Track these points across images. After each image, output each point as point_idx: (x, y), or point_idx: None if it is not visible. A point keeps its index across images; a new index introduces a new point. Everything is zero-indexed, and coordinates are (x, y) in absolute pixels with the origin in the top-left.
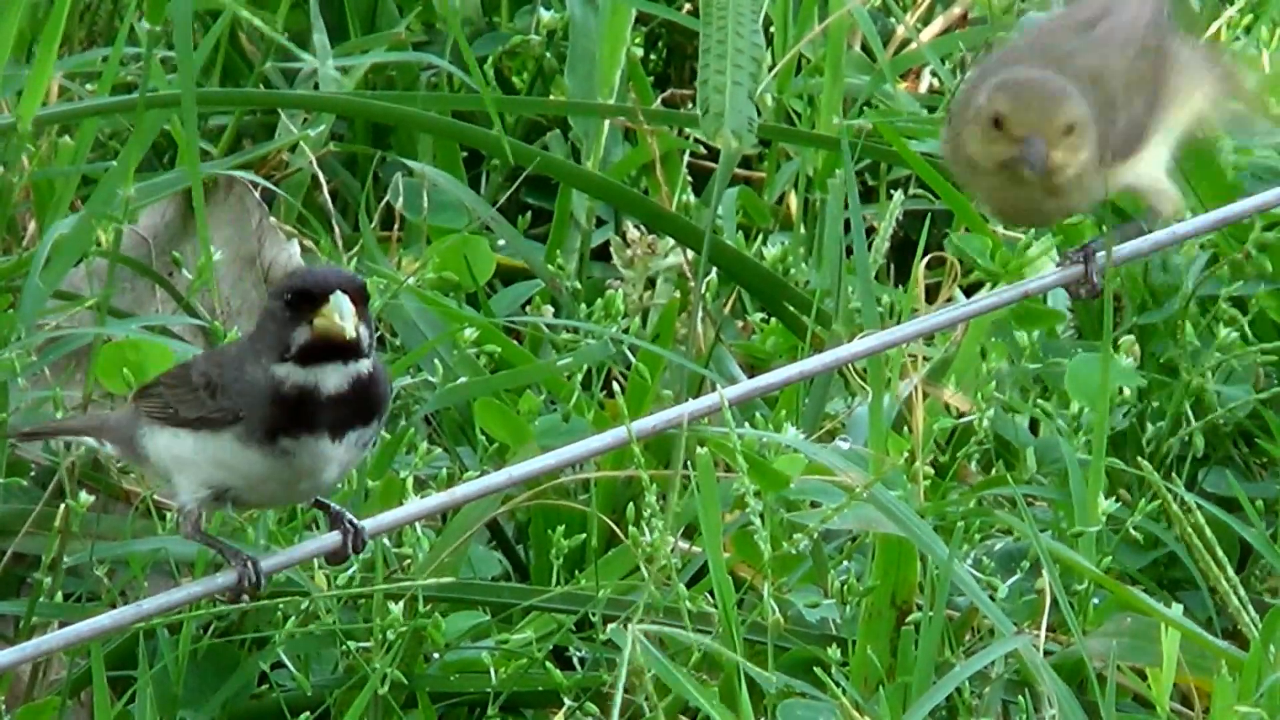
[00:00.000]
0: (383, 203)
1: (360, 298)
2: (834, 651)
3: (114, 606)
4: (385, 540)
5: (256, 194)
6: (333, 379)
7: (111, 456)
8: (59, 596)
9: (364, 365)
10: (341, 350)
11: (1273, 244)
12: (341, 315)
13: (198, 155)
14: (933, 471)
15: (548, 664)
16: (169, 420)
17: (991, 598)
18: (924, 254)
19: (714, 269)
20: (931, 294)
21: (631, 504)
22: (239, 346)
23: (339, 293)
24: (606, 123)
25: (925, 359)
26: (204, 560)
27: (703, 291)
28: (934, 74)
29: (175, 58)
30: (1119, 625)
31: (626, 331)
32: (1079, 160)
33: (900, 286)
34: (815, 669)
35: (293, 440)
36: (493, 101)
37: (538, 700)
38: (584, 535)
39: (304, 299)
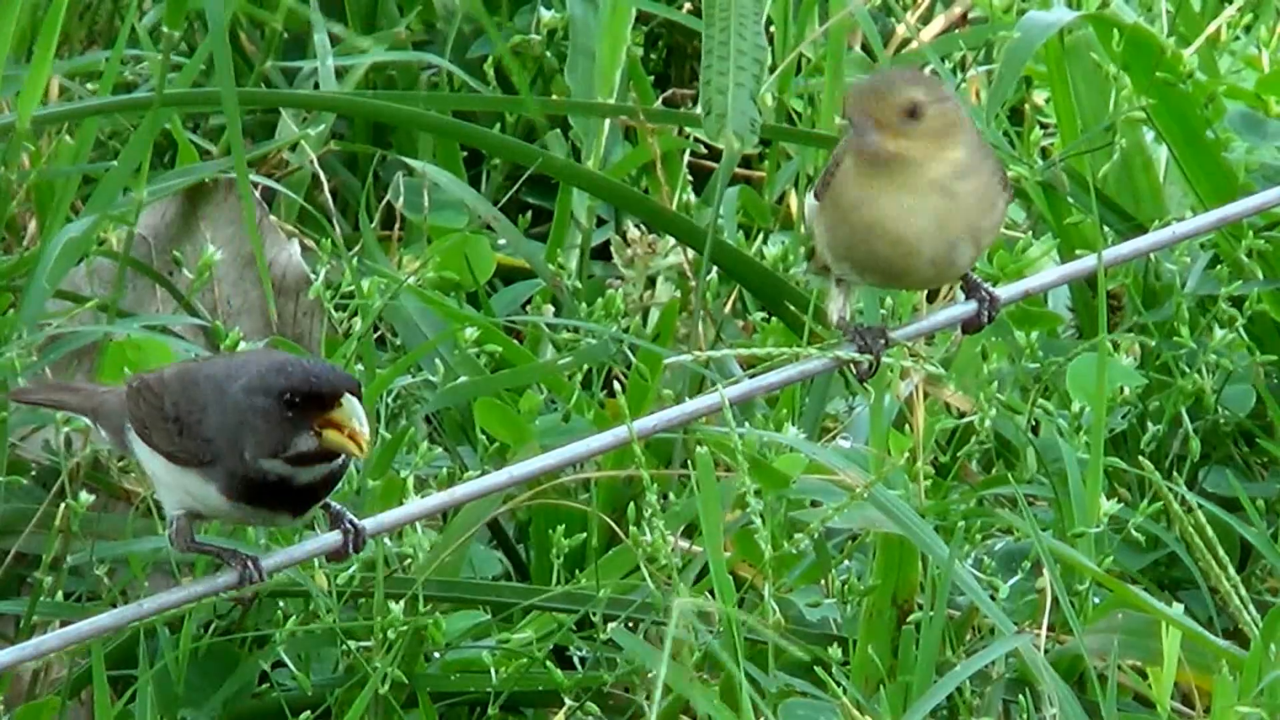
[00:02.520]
0: (383, 202)
1: (360, 394)
2: (835, 651)
3: (114, 606)
4: (386, 540)
5: (257, 193)
6: (310, 474)
7: (105, 443)
8: (59, 596)
9: (340, 459)
10: (332, 455)
11: (1271, 244)
12: (363, 422)
13: (243, 152)
14: (933, 471)
15: (548, 663)
16: (144, 439)
17: (992, 597)
18: None
19: (714, 268)
20: (931, 294)
21: (632, 503)
22: (211, 378)
23: (349, 396)
24: (607, 122)
25: (926, 359)
26: (204, 560)
27: (703, 291)
28: (934, 73)
29: (177, 58)
30: (1115, 621)
31: (627, 331)
32: (934, 149)
33: None
34: (816, 668)
35: (251, 509)
36: (497, 100)
37: (538, 700)
38: (584, 535)
39: (310, 402)
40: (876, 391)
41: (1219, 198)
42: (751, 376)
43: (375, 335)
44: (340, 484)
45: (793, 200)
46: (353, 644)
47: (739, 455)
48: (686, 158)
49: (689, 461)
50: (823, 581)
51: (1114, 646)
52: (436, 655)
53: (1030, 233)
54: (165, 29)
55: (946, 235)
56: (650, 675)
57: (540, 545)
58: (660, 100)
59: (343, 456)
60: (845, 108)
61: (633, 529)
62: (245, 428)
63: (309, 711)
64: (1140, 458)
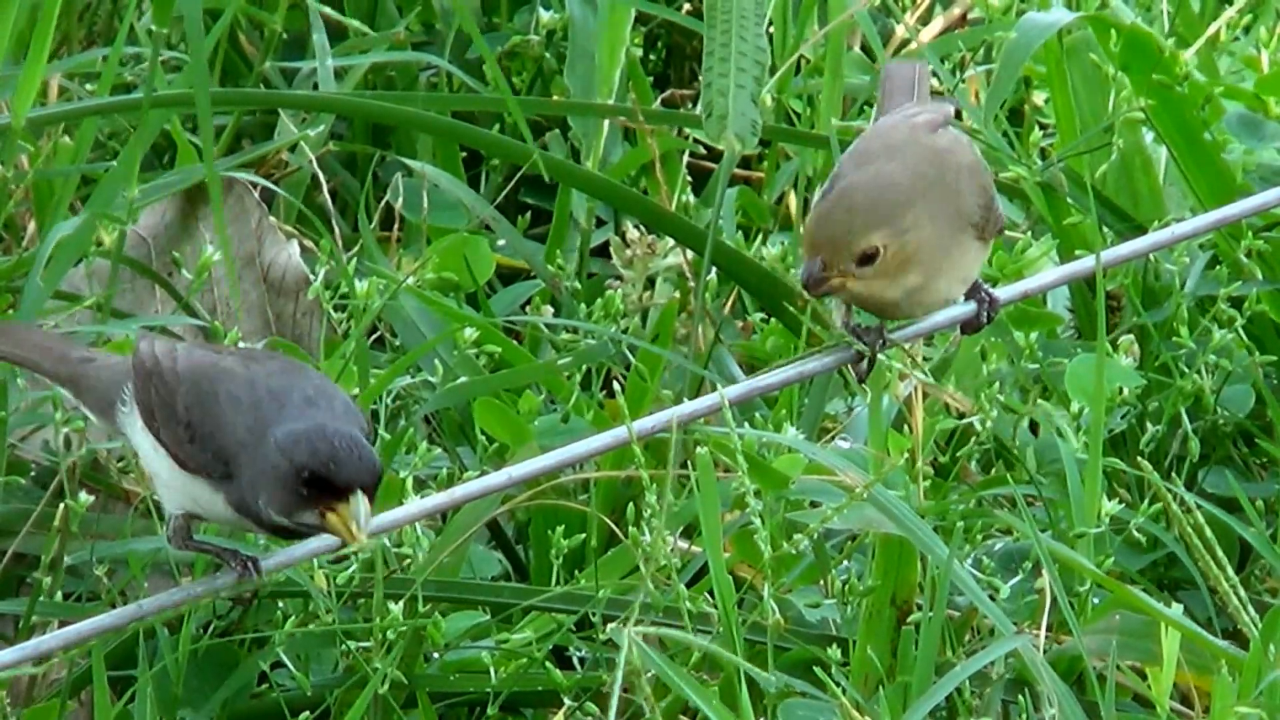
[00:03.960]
0: (382, 202)
1: (376, 486)
2: (834, 651)
3: (114, 606)
4: (385, 540)
5: (256, 194)
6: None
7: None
8: (59, 596)
9: None
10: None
11: (1271, 244)
12: (362, 526)
13: (212, 153)
14: (933, 471)
15: (547, 664)
16: (151, 430)
17: (992, 598)
18: None
19: (713, 269)
20: None
21: (631, 504)
22: (233, 398)
23: (360, 494)
24: (606, 123)
25: (925, 359)
26: (204, 560)
27: (703, 292)
28: (934, 74)
29: (176, 58)
30: (1114, 621)
31: (626, 331)
32: (885, 283)
33: None
34: (815, 669)
35: (256, 526)
36: (497, 100)
37: (538, 700)
38: (584, 535)
39: (324, 488)
40: (875, 392)
41: (1218, 198)
42: (751, 376)
43: (375, 336)
44: None
45: (792, 201)
46: (352, 644)
47: (738, 456)
48: (685, 158)
49: (689, 461)
50: (822, 582)
51: (1113, 647)
52: (436, 655)
53: (1029, 233)
54: (154, 27)
55: (925, 300)
56: (649, 675)
57: (539, 546)
58: (659, 101)
59: None
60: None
61: (632, 529)
62: (264, 478)
63: (308, 712)
64: (1139, 458)
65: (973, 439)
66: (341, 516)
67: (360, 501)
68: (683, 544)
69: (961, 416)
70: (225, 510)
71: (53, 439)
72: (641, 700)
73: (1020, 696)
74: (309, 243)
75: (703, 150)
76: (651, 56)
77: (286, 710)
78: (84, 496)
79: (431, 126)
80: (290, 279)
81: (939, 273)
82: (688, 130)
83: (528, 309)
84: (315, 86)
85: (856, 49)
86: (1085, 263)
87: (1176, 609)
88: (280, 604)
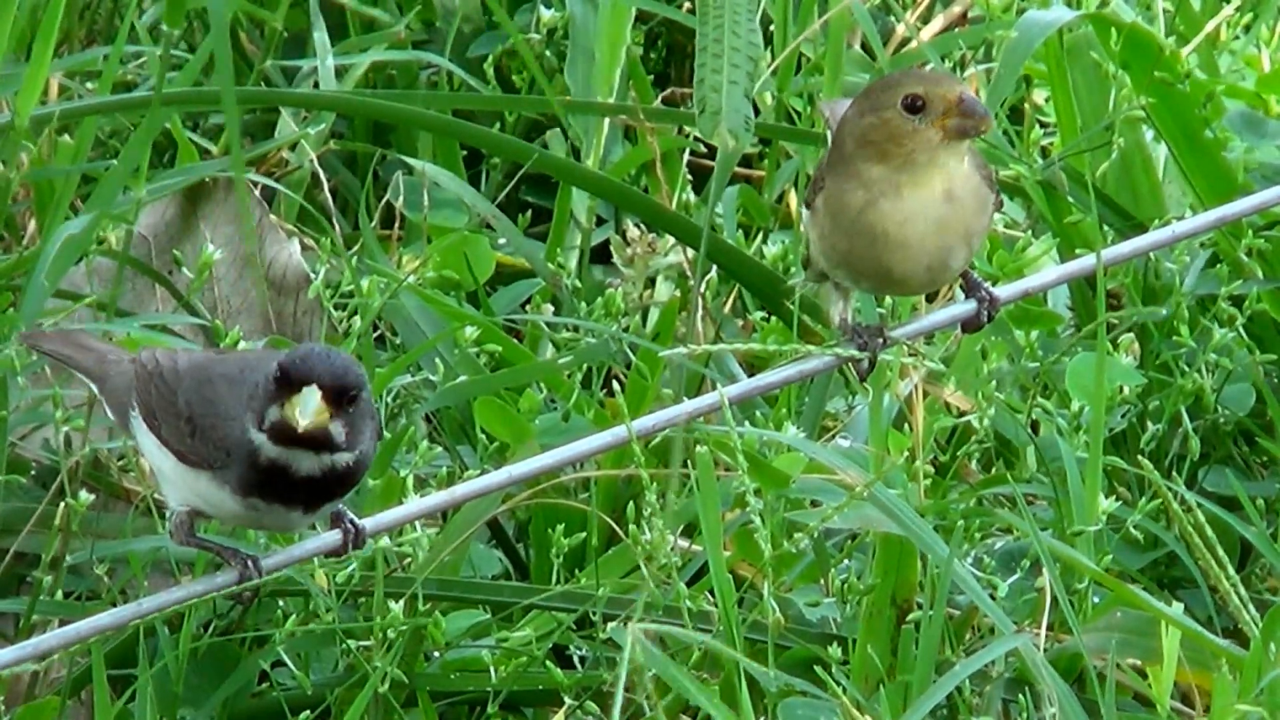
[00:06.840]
0: (383, 201)
1: (342, 396)
2: (834, 650)
3: (114, 605)
4: (385, 539)
5: (257, 192)
6: (306, 463)
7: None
8: (59, 595)
9: (342, 458)
10: (310, 441)
11: (1271, 243)
12: (302, 412)
13: (240, 150)
14: (933, 470)
15: (548, 663)
16: (154, 430)
17: (992, 596)
18: None
19: (714, 267)
20: (931, 293)
21: (631, 503)
22: (227, 378)
23: (313, 387)
24: (606, 121)
25: (925, 358)
26: (204, 559)
27: (703, 290)
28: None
29: (176, 56)
30: (1114, 620)
31: (627, 330)
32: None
33: None
34: (816, 668)
35: (264, 503)
36: (497, 99)
37: (538, 699)
38: (584, 534)
39: (284, 380)
40: (875, 391)
41: (1218, 197)
42: (751, 375)
43: (375, 334)
44: (357, 487)
45: (792, 199)
46: (353, 643)
47: (739, 454)
48: (686, 157)
49: (689, 461)
50: (822, 581)
51: (1113, 645)
52: (436, 654)
53: (1030, 232)
54: (165, 27)
55: (944, 240)
56: (650, 674)
57: (540, 544)
58: (660, 99)
59: (339, 454)
60: (928, 92)
61: (632, 528)
62: (250, 385)
63: (309, 711)
64: (1140, 457)
65: (973, 438)
66: (290, 405)
67: (309, 393)
68: (683, 543)
69: (962, 415)
70: (233, 502)
71: (53, 438)
72: (643, 700)
73: (1020, 695)
74: (310, 241)
75: (703, 149)
76: (652, 55)
77: (287, 709)
78: (85, 495)
79: (432, 125)
80: (291, 277)
81: (972, 183)
82: (688, 129)
83: (528, 307)
84: (316, 85)
85: (857, 47)
86: (1085, 261)
87: (1177, 608)
88: (280, 603)
